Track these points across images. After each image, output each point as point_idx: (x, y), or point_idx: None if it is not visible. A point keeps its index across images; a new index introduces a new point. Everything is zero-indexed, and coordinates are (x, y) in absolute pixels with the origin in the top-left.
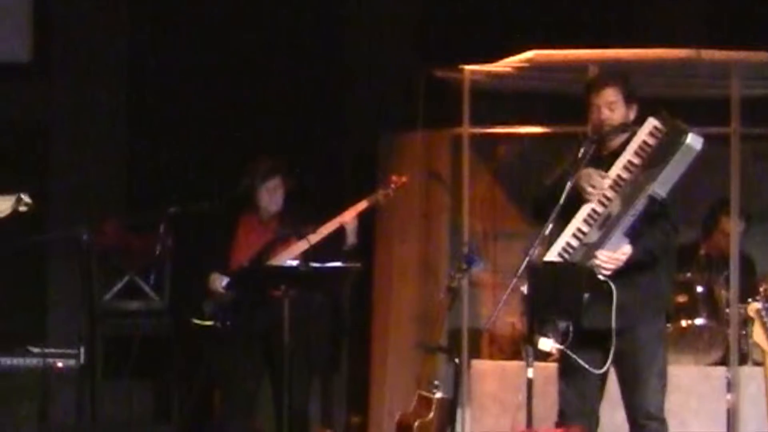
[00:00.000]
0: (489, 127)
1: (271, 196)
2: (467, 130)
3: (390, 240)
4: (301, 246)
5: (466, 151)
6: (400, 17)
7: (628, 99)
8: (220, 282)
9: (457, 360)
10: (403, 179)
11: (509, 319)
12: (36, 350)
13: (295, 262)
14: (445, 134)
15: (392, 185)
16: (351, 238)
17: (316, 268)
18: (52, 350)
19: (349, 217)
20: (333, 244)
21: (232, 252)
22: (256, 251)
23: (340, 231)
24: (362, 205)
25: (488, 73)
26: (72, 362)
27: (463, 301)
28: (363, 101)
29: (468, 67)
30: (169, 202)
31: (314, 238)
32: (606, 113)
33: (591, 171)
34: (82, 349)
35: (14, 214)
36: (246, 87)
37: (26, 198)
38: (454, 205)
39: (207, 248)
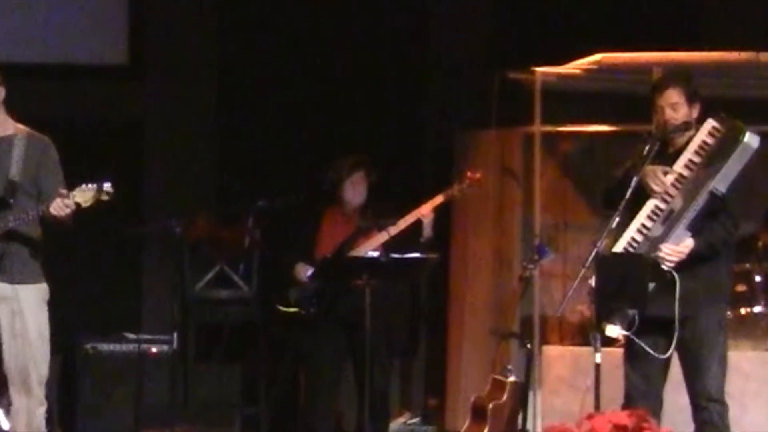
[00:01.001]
0: (559, 126)
1: (355, 190)
2: (538, 128)
3: (466, 233)
4: (382, 237)
5: (538, 148)
6: (477, 23)
7: (691, 99)
8: (305, 271)
9: (528, 345)
10: (477, 175)
11: (578, 307)
12: (132, 336)
13: (376, 254)
14: (518, 132)
15: (467, 181)
16: (427, 231)
17: (396, 258)
18: (147, 336)
19: (426, 211)
20: (411, 236)
21: (316, 243)
22: (339, 242)
23: (418, 224)
24: (439, 199)
25: (558, 75)
26: (165, 348)
27: (534, 290)
28: (441, 101)
29: (539, 69)
30: (257, 196)
31: (394, 230)
32: (669, 113)
33: (655, 168)
34: (175, 335)
35: (97, 203)
36: (330, 86)
37: (108, 188)
38: (526, 200)
39: (293, 239)
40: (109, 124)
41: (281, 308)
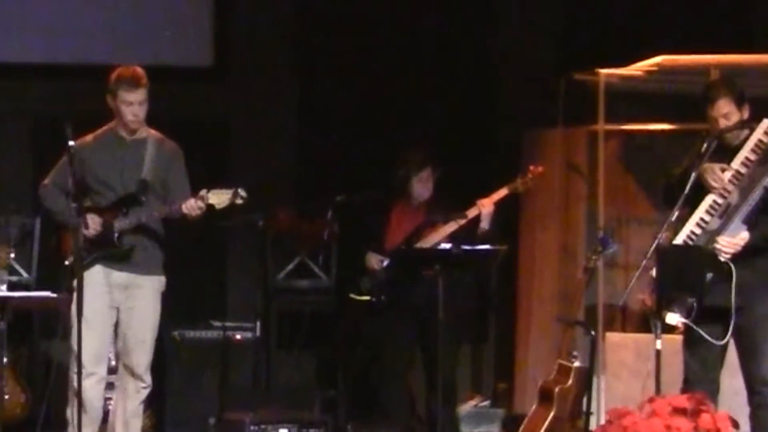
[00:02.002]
0: (621, 124)
1: (422, 186)
2: (602, 127)
3: (533, 226)
4: (448, 229)
5: (602, 145)
6: (545, 27)
7: (740, 103)
8: (376, 261)
9: (593, 333)
10: (540, 169)
11: (640, 296)
12: (217, 324)
13: (448, 245)
14: (583, 131)
15: (530, 174)
16: (484, 223)
17: (467, 250)
18: (232, 324)
19: (488, 203)
20: (469, 229)
21: (386, 234)
22: (407, 234)
23: (478, 217)
24: (503, 192)
25: (621, 76)
26: (249, 335)
27: (598, 280)
28: (511, 101)
29: (603, 71)
30: (335, 191)
31: (460, 222)
32: (722, 122)
33: (713, 165)
34: (258, 323)
35: (231, 206)
36: (405, 86)
37: (242, 192)
38: (590, 194)
39: (364, 231)
40: (195, 124)
41: (354, 297)
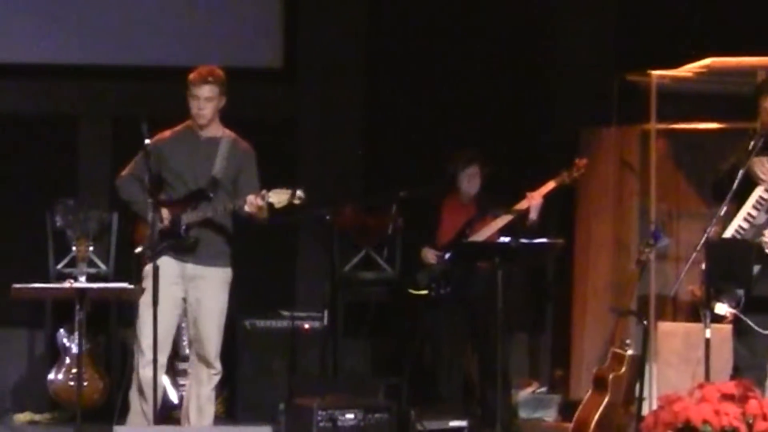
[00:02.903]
0: (672, 123)
1: (470, 182)
2: (654, 125)
3: (588, 220)
4: (500, 222)
5: (653, 143)
6: (600, 30)
7: None
8: (432, 255)
9: (645, 322)
10: (584, 162)
11: (690, 287)
12: (286, 314)
13: (507, 239)
14: (635, 129)
15: (575, 168)
16: (533, 215)
17: (525, 243)
18: (300, 314)
19: (537, 195)
20: (518, 221)
21: (437, 229)
22: (459, 228)
23: (526, 211)
24: (550, 185)
25: (672, 77)
26: (317, 324)
27: (650, 272)
28: (568, 101)
29: (655, 72)
30: (399, 186)
31: (514, 215)
32: None
33: (762, 159)
34: (325, 313)
35: (289, 206)
36: (467, 86)
37: (300, 192)
38: (643, 190)
39: (418, 226)
40: (265, 123)
41: (411, 291)
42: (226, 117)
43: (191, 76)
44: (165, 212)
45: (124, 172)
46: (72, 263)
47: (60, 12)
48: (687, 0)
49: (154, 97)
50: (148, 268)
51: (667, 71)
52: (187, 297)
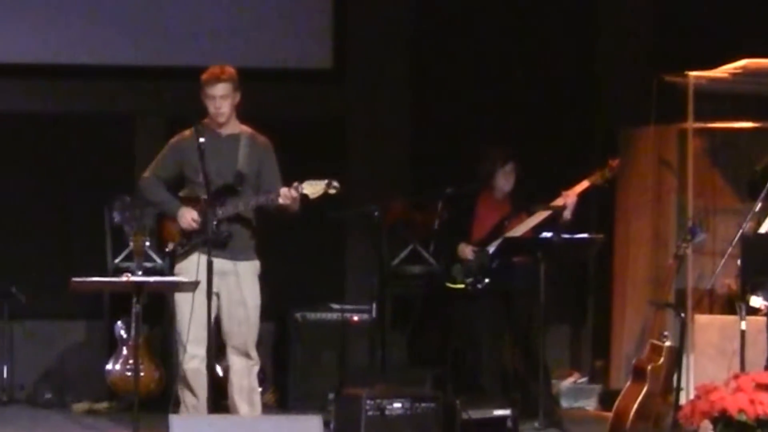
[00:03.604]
0: (709, 122)
1: (505, 179)
2: (691, 125)
3: (628, 216)
4: (535, 219)
5: (691, 142)
6: (638, 32)
7: None
8: (468, 251)
9: (682, 315)
10: (617, 162)
11: (726, 281)
12: (336, 306)
13: (549, 234)
14: (673, 128)
15: (609, 168)
16: (567, 214)
17: (566, 239)
18: (349, 306)
19: (572, 194)
20: (551, 219)
21: (472, 225)
22: (494, 224)
23: (562, 208)
24: (584, 184)
25: (709, 78)
26: (365, 316)
27: (687, 266)
28: (608, 102)
29: (692, 74)
30: (445, 183)
31: (549, 211)
32: None
33: None
34: (373, 306)
35: (324, 196)
36: (511, 87)
37: (335, 183)
38: (681, 187)
39: (454, 222)
40: (316, 122)
41: (449, 285)
42: (277, 115)
43: (204, 76)
44: (192, 210)
45: (146, 174)
46: (129, 258)
47: (117, 15)
48: (723, 3)
49: None
50: (183, 265)
51: (704, 72)
52: (220, 292)
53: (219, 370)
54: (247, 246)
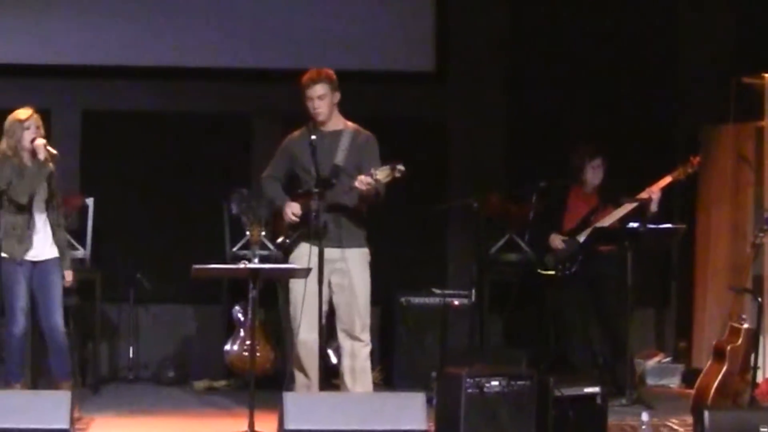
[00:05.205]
0: None
1: (594, 173)
2: (767, 123)
3: (708, 208)
4: (621, 211)
5: (767, 139)
6: (718, 36)
7: None
8: (558, 240)
9: (759, 299)
10: (698, 159)
11: None
12: (438, 291)
13: (636, 224)
14: (751, 126)
15: (690, 164)
16: (653, 207)
17: (651, 229)
18: (450, 291)
19: (656, 189)
20: (637, 211)
21: (564, 217)
22: (584, 215)
23: (647, 201)
24: (667, 179)
25: None
26: (465, 301)
27: (764, 254)
28: (689, 102)
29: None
30: (538, 178)
31: (634, 204)
32: None
33: None
34: (473, 291)
35: (392, 180)
36: (598, 88)
37: (400, 166)
38: (757, 181)
39: (546, 214)
40: (419, 121)
41: (541, 272)
42: (382, 115)
43: (302, 79)
44: (296, 205)
45: (265, 173)
46: (246, 246)
47: (235, 21)
48: None
49: None
50: (295, 255)
51: None
52: (331, 279)
53: (330, 352)
54: (355, 234)
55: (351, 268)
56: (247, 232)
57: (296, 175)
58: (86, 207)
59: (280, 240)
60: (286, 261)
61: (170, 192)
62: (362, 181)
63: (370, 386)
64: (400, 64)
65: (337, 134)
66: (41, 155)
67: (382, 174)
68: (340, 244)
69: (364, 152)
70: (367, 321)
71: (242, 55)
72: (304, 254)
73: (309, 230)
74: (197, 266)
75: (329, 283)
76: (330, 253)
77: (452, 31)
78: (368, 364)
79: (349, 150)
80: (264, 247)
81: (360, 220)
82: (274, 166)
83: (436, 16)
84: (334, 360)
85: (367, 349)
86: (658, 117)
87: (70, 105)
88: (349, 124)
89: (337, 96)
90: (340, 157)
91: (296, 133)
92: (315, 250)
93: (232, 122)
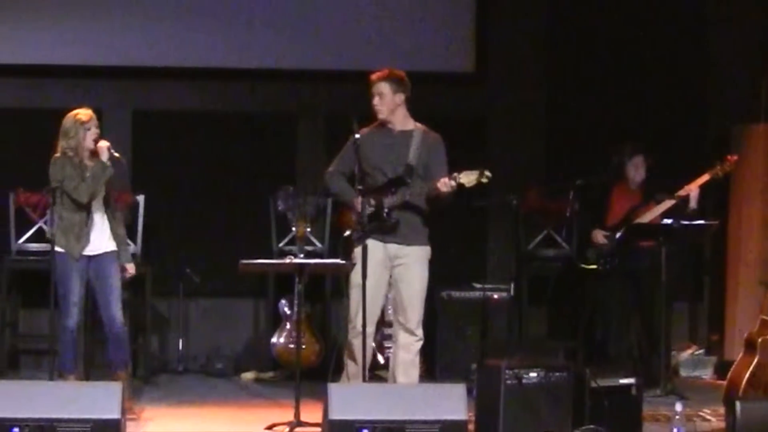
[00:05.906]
0: None
1: (635, 170)
2: None
3: (740, 205)
4: (661, 208)
5: None
6: (749, 38)
7: None
8: (600, 236)
9: None
10: (735, 158)
11: None
12: (478, 286)
13: (670, 220)
14: None
15: (727, 163)
16: (693, 204)
17: (685, 224)
18: (490, 285)
19: (694, 186)
20: (677, 208)
21: (607, 213)
22: (626, 212)
23: (686, 198)
24: (705, 177)
25: None
26: (505, 294)
27: None
28: (721, 101)
29: None
30: (576, 175)
31: (673, 201)
32: None
33: None
34: (512, 285)
35: (478, 185)
36: (635, 87)
37: (488, 173)
38: None
39: (590, 210)
40: (459, 121)
41: (582, 266)
42: (425, 115)
43: (371, 77)
44: (365, 200)
45: (330, 168)
46: (292, 242)
47: (281, 24)
48: None
49: (361, 97)
50: (359, 249)
51: None
52: (393, 274)
53: (372, 344)
54: (417, 232)
55: (412, 265)
56: (293, 228)
57: (363, 171)
58: (137, 204)
59: (347, 233)
60: (345, 254)
61: (218, 189)
62: (445, 184)
63: (416, 379)
64: (441, 65)
65: (408, 134)
66: (104, 157)
67: (467, 178)
68: (402, 241)
69: (432, 153)
70: (422, 317)
71: (287, 57)
72: (369, 250)
73: (380, 226)
74: (244, 261)
75: (390, 278)
76: (394, 249)
77: (491, 33)
78: (418, 359)
79: (420, 149)
80: (309, 242)
81: (425, 219)
82: (340, 162)
83: (475, 18)
84: (381, 360)
85: (420, 344)
86: (689, 116)
87: (121, 105)
88: (418, 124)
89: (400, 97)
90: (412, 157)
91: (365, 131)
92: (380, 245)
93: (277, 122)
